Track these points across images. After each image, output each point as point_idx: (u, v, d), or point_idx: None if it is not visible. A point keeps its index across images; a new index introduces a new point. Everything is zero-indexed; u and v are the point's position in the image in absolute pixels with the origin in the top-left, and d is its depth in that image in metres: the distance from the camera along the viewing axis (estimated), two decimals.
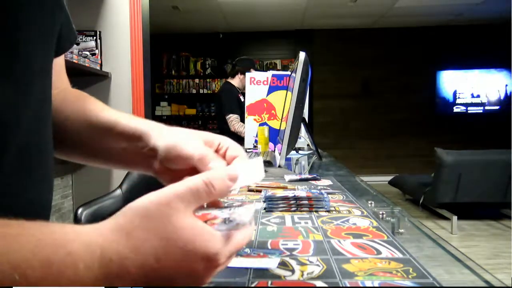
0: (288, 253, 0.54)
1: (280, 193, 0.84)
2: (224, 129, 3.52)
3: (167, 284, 0.35)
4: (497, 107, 6.63)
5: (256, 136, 2.32)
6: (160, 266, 0.34)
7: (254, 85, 2.51)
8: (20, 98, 0.44)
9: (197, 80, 6.79)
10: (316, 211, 0.78)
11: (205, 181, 0.38)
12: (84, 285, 0.32)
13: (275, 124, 2.45)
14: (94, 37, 2.40)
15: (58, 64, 0.62)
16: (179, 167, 0.54)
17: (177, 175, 0.55)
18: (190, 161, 0.51)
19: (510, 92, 6.61)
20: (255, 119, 2.52)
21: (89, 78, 2.41)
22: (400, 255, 0.52)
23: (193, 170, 0.54)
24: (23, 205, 0.47)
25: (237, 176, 0.41)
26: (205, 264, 0.36)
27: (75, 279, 0.32)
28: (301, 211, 0.79)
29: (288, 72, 2.37)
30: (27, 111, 0.45)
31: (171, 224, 0.35)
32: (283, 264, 0.49)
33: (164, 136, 0.55)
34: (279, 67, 6.74)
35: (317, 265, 0.49)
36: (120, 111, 0.61)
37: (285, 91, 1.92)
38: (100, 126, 0.58)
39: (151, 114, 2.78)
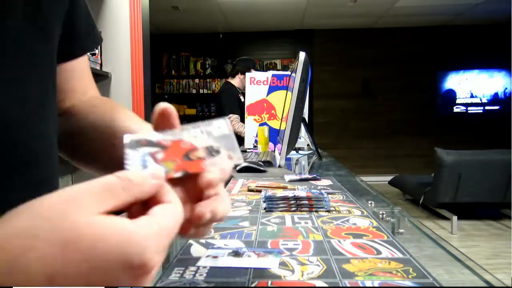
0: (288, 253, 0.54)
1: (280, 193, 0.84)
2: None
3: None
4: (497, 107, 6.63)
5: (256, 136, 2.31)
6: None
7: (254, 85, 2.51)
8: (20, 97, 0.44)
9: (197, 80, 6.79)
10: (316, 211, 0.78)
11: (119, 176, 0.29)
12: None
13: (275, 124, 2.45)
14: None
15: (79, 67, 0.61)
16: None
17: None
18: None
19: (510, 92, 6.61)
20: (255, 119, 2.52)
21: None
22: (400, 255, 0.52)
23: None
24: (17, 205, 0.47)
25: (162, 175, 0.32)
26: (129, 274, 0.26)
27: None
28: (301, 211, 0.79)
29: (288, 72, 2.37)
30: (27, 110, 0.45)
31: (70, 222, 0.25)
32: (283, 264, 0.49)
33: None
34: (279, 67, 6.74)
35: (317, 265, 0.49)
36: None
37: (285, 91, 1.92)
38: None
39: (151, 114, 2.77)
